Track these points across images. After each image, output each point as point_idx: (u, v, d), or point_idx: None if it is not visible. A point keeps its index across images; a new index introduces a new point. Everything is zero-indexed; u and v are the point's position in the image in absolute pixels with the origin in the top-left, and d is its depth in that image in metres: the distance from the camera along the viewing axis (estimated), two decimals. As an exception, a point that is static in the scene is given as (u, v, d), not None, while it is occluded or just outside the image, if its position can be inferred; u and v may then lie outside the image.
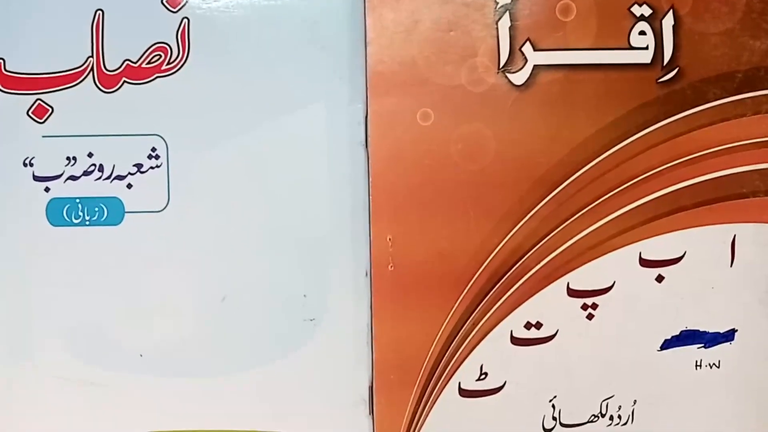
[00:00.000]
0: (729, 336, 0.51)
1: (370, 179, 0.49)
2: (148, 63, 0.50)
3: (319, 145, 0.51)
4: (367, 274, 0.51)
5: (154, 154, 0.51)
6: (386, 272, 0.50)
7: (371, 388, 0.51)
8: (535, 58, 0.49)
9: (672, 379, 0.51)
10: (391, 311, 0.50)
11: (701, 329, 0.51)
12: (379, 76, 0.49)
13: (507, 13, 0.49)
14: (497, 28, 0.49)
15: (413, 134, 0.49)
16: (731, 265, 0.51)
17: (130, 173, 0.51)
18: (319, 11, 0.50)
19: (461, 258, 0.50)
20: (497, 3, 0.49)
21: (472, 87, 0.49)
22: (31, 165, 0.51)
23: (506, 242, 0.50)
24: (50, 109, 0.50)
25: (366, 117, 0.50)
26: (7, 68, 0.50)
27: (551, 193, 0.50)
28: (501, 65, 0.49)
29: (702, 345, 0.51)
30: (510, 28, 0.49)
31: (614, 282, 0.50)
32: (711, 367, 0.51)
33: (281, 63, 0.51)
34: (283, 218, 0.51)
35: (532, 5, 0.49)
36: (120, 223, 0.51)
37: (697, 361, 0.51)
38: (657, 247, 0.50)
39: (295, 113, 0.51)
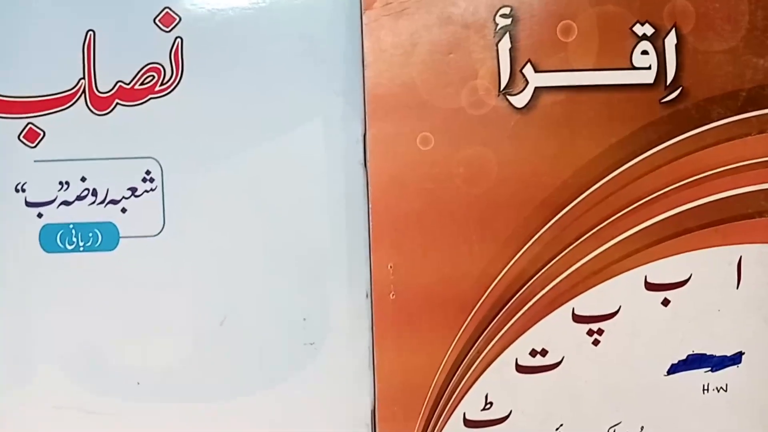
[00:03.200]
0: (736, 359, 0.50)
1: (370, 205, 0.48)
2: (141, 84, 0.49)
3: (317, 164, 0.50)
4: (367, 296, 0.50)
5: (148, 177, 0.50)
6: (388, 301, 0.48)
7: (373, 411, 0.50)
8: (536, 79, 0.48)
9: (679, 404, 0.50)
10: (393, 341, 0.49)
11: (708, 353, 0.50)
12: (378, 100, 0.48)
13: (507, 34, 0.48)
14: (497, 50, 0.48)
15: (413, 158, 0.48)
16: (737, 287, 0.50)
17: (124, 197, 0.50)
18: (315, 28, 0.50)
19: (464, 284, 0.49)
20: (497, 24, 0.48)
21: (473, 110, 0.48)
22: (24, 190, 0.50)
23: (510, 267, 0.49)
24: (42, 133, 0.49)
25: (364, 135, 0.49)
26: None
27: (555, 216, 0.49)
28: (502, 87, 0.48)
29: (709, 369, 0.50)
30: (510, 49, 0.48)
31: (620, 306, 0.50)
32: (718, 391, 0.51)
33: (277, 81, 0.50)
34: (282, 240, 0.50)
35: (532, 26, 0.48)
36: (115, 248, 0.50)
37: (704, 385, 0.50)
38: (662, 270, 0.49)
39: (292, 132, 0.50)
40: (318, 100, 0.50)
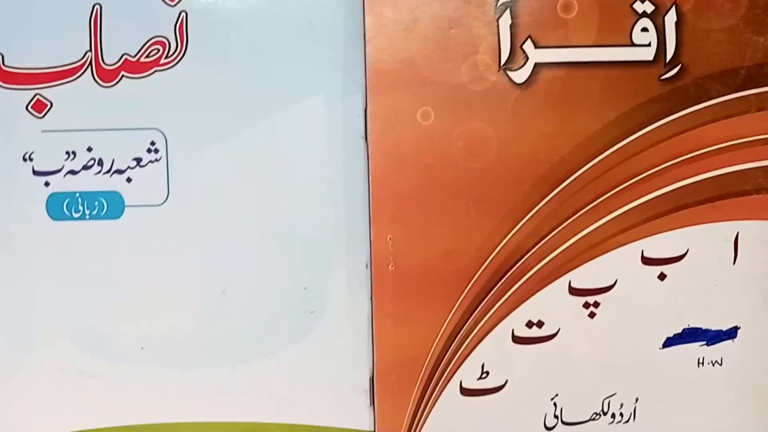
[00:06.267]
0: (731, 333, 0.51)
1: (371, 179, 0.49)
2: (147, 57, 0.50)
3: (318, 138, 0.51)
4: (367, 266, 0.51)
5: (153, 148, 0.51)
6: (387, 272, 0.50)
7: (371, 379, 0.51)
8: (536, 55, 0.49)
9: (674, 377, 0.51)
10: (392, 311, 0.50)
11: (704, 327, 0.51)
12: (379, 75, 0.49)
13: (508, 10, 0.49)
14: (498, 26, 0.49)
15: (414, 133, 0.49)
16: (734, 263, 0.50)
17: (129, 167, 0.51)
18: (317, 5, 0.50)
19: (462, 257, 0.50)
20: (498, 0, 0.49)
21: (473, 85, 0.49)
22: (31, 160, 0.51)
23: (508, 241, 0.50)
24: (49, 104, 0.51)
25: (365, 109, 0.50)
26: (6, 63, 0.50)
27: (553, 191, 0.49)
28: (502, 63, 0.49)
29: (704, 343, 0.51)
30: (511, 25, 0.49)
31: (616, 280, 0.50)
32: (713, 365, 0.51)
33: (279, 56, 0.50)
34: (283, 211, 0.51)
35: (533, 2, 0.48)
36: (120, 217, 0.51)
37: (699, 359, 0.51)
38: (659, 245, 0.50)
39: (293, 107, 0.51)
40: (319, 76, 0.51)
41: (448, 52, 0.49)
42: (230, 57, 0.50)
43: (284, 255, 0.52)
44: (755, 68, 0.49)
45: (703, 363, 0.51)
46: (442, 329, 0.50)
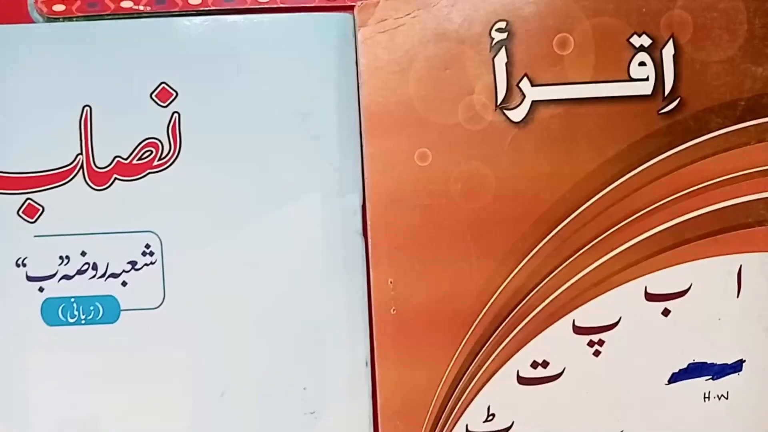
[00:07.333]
0: (737, 367, 0.50)
1: (369, 222, 0.49)
2: (139, 159, 0.50)
3: (315, 236, 0.50)
4: (366, 364, 0.50)
5: (148, 251, 0.50)
6: (389, 316, 0.49)
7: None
8: (533, 93, 0.48)
9: (681, 413, 0.51)
10: (394, 356, 0.49)
11: (709, 361, 0.50)
12: (375, 117, 0.48)
13: (503, 48, 0.48)
14: (494, 65, 0.48)
15: (412, 175, 0.48)
16: (738, 296, 0.50)
17: (124, 271, 0.50)
18: (311, 102, 0.50)
19: (465, 299, 0.49)
20: (493, 39, 0.48)
21: (470, 125, 0.48)
22: (24, 265, 0.50)
23: (510, 281, 0.49)
24: (41, 209, 0.50)
25: (362, 206, 0.49)
26: None
27: (554, 230, 0.49)
28: (498, 102, 0.48)
29: (710, 377, 0.50)
30: (506, 63, 0.48)
31: (620, 317, 0.50)
32: (719, 399, 0.51)
33: (274, 154, 0.50)
34: (280, 311, 0.50)
35: (528, 39, 0.48)
36: (116, 321, 0.50)
37: (705, 394, 0.51)
38: (662, 280, 0.49)
39: (289, 205, 0.50)
40: (315, 173, 0.50)
41: (444, 92, 0.48)
42: (224, 156, 0.50)
43: (283, 356, 0.51)
44: (754, 99, 0.49)
45: (709, 397, 0.51)
46: (447, 372, 0.49)
